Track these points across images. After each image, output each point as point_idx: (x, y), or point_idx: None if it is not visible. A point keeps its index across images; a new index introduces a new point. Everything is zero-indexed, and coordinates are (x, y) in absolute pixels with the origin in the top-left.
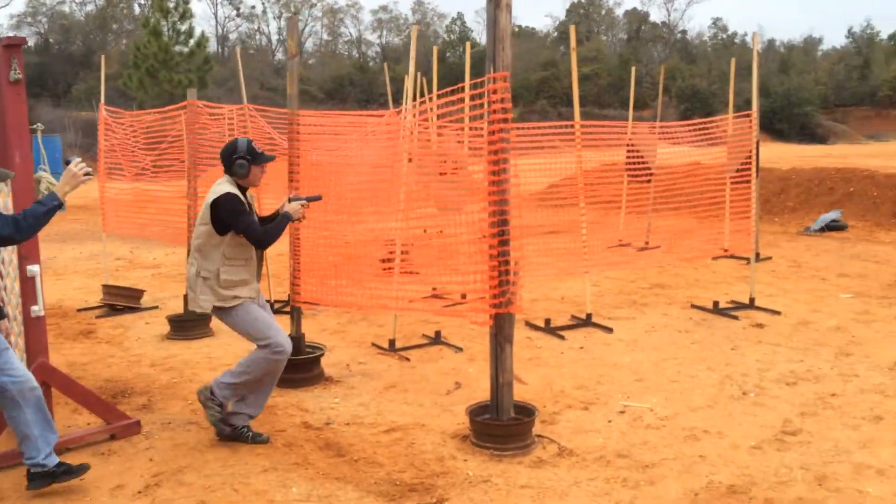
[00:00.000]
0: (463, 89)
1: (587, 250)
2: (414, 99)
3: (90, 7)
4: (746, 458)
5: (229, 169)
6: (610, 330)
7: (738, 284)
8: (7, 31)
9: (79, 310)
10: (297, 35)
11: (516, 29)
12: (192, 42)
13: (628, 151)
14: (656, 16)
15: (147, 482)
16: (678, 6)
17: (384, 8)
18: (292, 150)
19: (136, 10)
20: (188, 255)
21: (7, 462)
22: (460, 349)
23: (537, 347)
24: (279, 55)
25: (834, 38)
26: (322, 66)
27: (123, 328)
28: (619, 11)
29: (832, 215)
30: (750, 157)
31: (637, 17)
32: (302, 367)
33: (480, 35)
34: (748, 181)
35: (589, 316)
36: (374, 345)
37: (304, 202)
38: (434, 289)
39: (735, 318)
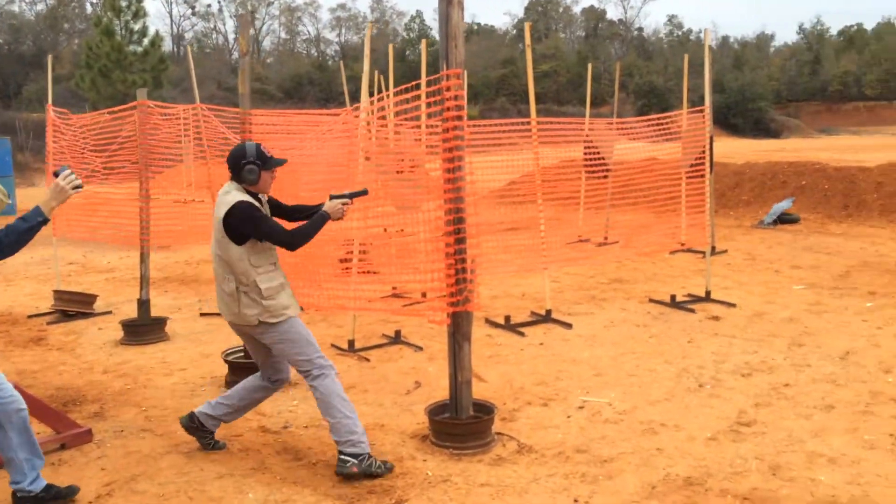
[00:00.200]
0: (418, 87)
1: (546, 247)
2: (371, 96)
3: (41, 6)
4: (703, 449)
5: (238, 175)
6: (569, 325)
7: (694, 278)
8: None
9: (29, 316)
10: (249, 33)
11: (475, 27)
12: (145, 41)
13: (586, 148)
14: (613, 13)
15: (98, 492)
16: (634, 4)
17: (342, 6)
18: None
19: (88, 9)
20: (216, 266)
21: None
22: (420, 348)
23: (497, 345)
24: (236, 54)
25: (785, 35)
26: (280, 64)
27: (76, 334)
28: (577, 9)
29: (785, 204)
30: (704, 153)
31: (594, 15)
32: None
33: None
34: (703, 176)
35: (548, 312)
36: (333, 346)
37: (346, 200)
38: (394, 288)
39: (692, 311)
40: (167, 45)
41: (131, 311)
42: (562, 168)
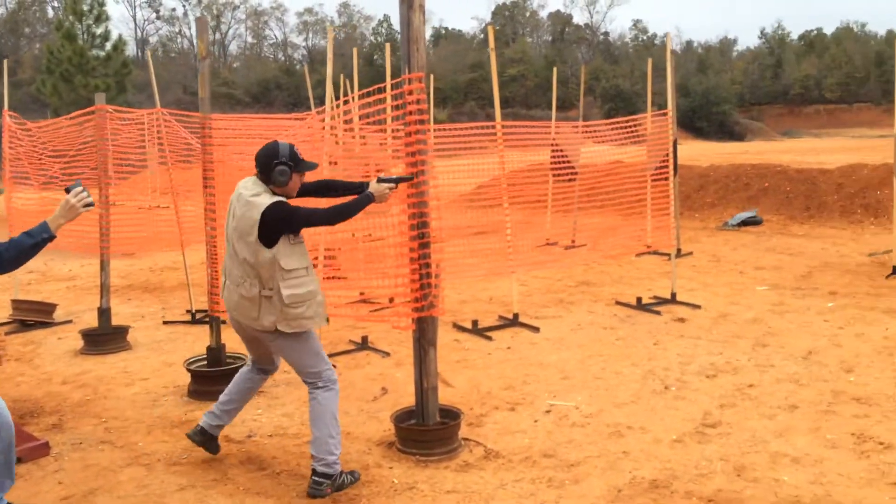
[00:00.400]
0: (380, 90)
1: (514, 250)
2: (337, 99)
3: (0, 10)
4: (668, 452)
5: (267, 175)
6: (537, 329)
7: (660, 280)
8: None
9: None
10: (207, 36)
11: (443, 31)
12: (108, 46)
13: (552, 151)
14: (579, 18)
15: None
16: (600, 8)
17: (309, 10)
18: (206, 155)
19: (50, 12)
20: (224, 271)
21: None
22: (387, 354)
23: (465, 349)
24: None
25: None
26: (247, 69)
27: (34, 344)
28: (544, 13)
29: (748, 214)
30: (668, 156)
31: (561, 20)
32: (222, 379)
33: None
34: (668, 178)
35: (516, 316)
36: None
37: (392, 185)
38: (361, 293)
39: (658, 313)
40: (131, 50)
41: (93, 320)
42: (529, 171)
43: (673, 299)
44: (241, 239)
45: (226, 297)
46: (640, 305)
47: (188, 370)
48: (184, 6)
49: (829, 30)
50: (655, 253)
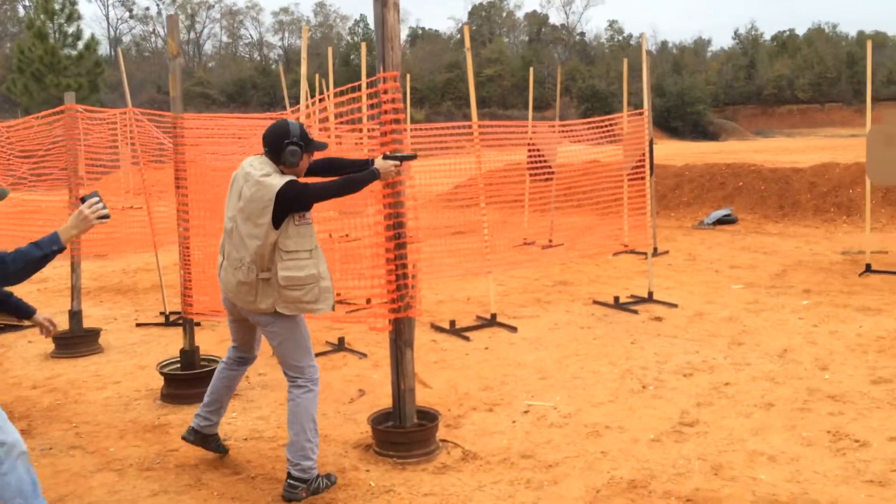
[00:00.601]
0: (354, 90)
1: (491, 250)
2: (312, 96)
3: None
4: (646, 451)
5: (277, 155)
6: (514, 329)
7: (637, 279)
8: None
9: None
10: (178, 35)
11: (420, 31)
12: (80, 45)
13: (529, 151)
14: (555, 18)
15: None
16: (576, 9)
17: (285, 10)
18: (178, 155)
19: (21, 11)
20: (223, 259)
21: None
22: (364, 355)
23: (442, 350)
24: None
25: (722, 40)
26: (222, 68)
27: (4, 348)
28: (520, 14)
29: (723, 212)
30: (644, 155)
31: (537, 20)
32: (196, 382)
33: None
34: (644, 178)
35: (494, 316)
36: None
37: (397, 162)
38: (338, 294)
39: (635, 312)
40: (104, 49)
41: (63, 323)
42: (506, 171)
43: (650, 298)
44: (248, 220)
45: (222, 277)
46: (617, 304)
47: (161, 373)
48: (157, 5)
49: (801, 31)
50: (632, 252)
